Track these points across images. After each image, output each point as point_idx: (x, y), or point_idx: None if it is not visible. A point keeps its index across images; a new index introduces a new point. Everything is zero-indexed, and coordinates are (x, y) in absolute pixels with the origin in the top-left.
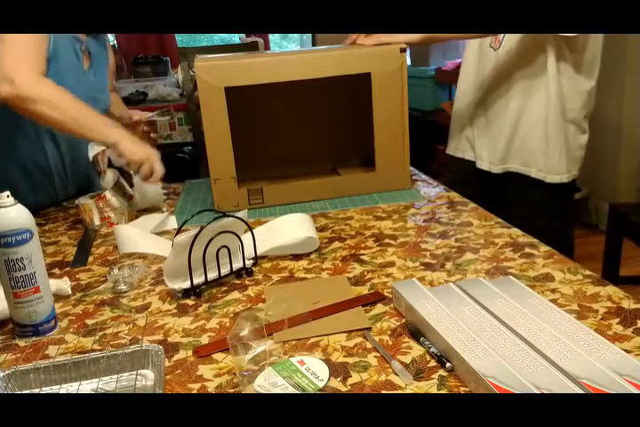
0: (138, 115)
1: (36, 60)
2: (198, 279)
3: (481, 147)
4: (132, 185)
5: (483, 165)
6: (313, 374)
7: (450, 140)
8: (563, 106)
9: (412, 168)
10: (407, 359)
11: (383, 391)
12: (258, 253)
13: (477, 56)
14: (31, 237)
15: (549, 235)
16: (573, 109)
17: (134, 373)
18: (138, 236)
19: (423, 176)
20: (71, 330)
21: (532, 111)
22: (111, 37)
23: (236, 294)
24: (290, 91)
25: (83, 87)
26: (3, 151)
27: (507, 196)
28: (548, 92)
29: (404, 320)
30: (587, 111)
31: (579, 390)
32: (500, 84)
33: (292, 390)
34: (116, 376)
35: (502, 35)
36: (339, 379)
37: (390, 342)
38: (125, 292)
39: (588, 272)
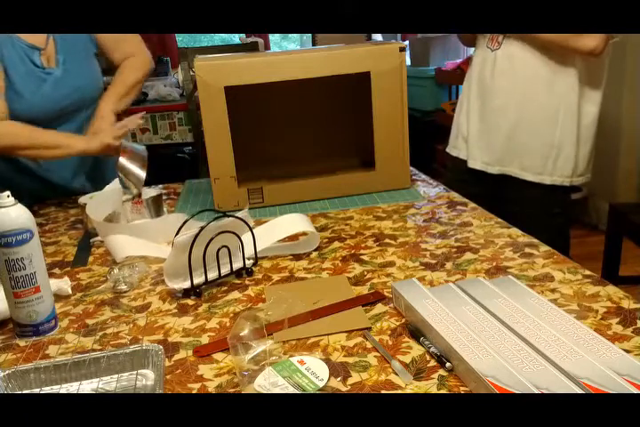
0: (133, 123)
1: None
2: (198, 279)
3: (474, 146)
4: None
5: (476, 164)
6: (313, 373)
7: (450, 138)
8: (579, 109)
9: (411, 168)
10: (407, 359)
11: (383, 391)
12: (258, 251)
13: (479, 56)
14: (31, 237)
15: (548, 234)
16: (587, 114)
17: (134, 373)
18: (131, 242)
19: (423, 176)
20: (71, 330)
21: (537, 115)
22: None
23: (236, 294)
24: (289, 90)
25: (48, 87)
26: None
27: (504, 194)
28: (562, 95)
29: (403, 320)
30: (598, 112)
31: (578, 390)
32: (498, 84)
33: (292, 389)
34: (116, 376)
35: (501, 36)
36: (339, 379)
37: (390, 342)
38: (125, 292)
39: (587, 272)
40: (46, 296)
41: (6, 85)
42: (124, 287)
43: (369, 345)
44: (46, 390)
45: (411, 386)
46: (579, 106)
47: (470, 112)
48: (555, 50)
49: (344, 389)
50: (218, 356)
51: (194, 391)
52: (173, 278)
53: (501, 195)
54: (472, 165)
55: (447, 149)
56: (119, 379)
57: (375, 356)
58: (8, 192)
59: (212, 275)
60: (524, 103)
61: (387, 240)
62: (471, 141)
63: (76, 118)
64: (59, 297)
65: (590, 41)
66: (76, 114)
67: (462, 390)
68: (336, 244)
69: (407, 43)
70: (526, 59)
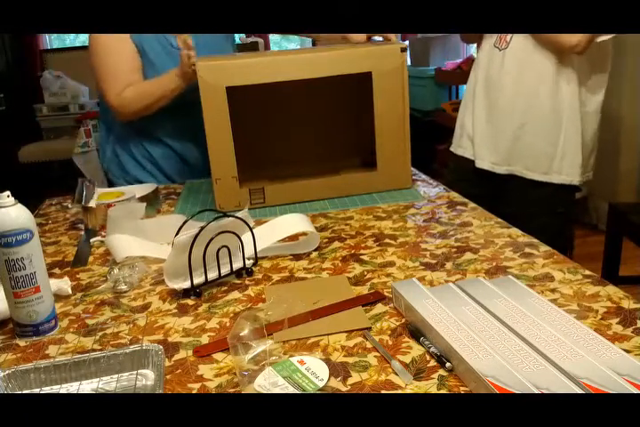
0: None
1: (120, 81)
2: (198, 279)
3: (481, 147)
4: None
5: (483, 164)
6: (313, 373)
7: (454, 137)
8: (582, 108)
9: (412, 168)
10: (407, 359)
11: (383, 391)
12: (258, 251)
13: (486, 55)
14: (31, 237)
15: (551, 233)
16: (589, 113)
17: (134, 372)
18: (132, 242)
19: (423, 176)
20: (71, 330)
21: (544, 114)
22: None
23: (236, 294)
24: (290, 90)
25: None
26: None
27: (508, 194)
28: (566, 95)
29: (403, 320)
30: (600, 109)
31: (578, 390)
32: (505, 84)
33: (292, 389)
34: (116, 376)
35: (510, 35)
36: (339, 379)
37: (390, 342)
38: (125, 292)
39: (587, 272)
40: (46, 296)
41: (144, 64)
42: (124, 287)
43: (369, 345)
44: (46, 390)
45: (411, 386)
46: (583, 104)
47: (476, 111)
48: (542, 43)
49: (344, 389)
50: (218, 356)
51: (194, 391)
52: (173, 278)
53: (505, 194)
54: (480, 165)
55: (451, 148)
56: (119, 379)
57: (375, 356)
58: (8, 192)
59: (212, 275)
60: (531, 102)
61: (387, 240)
62: (478, 141)
63: None
64: (59, 297)
65: (572, 37)
66: None
67: (462, 390)
68: (336, 244)
69: (407, 43)
70: (534, 58)
